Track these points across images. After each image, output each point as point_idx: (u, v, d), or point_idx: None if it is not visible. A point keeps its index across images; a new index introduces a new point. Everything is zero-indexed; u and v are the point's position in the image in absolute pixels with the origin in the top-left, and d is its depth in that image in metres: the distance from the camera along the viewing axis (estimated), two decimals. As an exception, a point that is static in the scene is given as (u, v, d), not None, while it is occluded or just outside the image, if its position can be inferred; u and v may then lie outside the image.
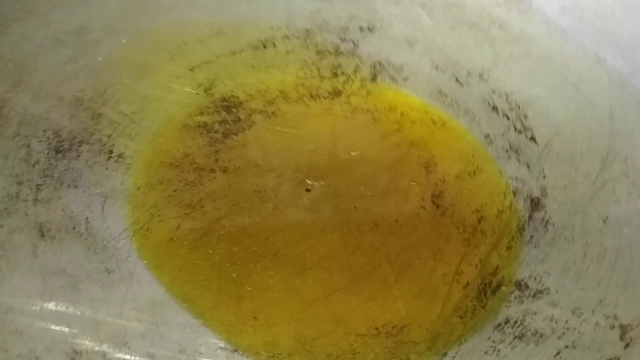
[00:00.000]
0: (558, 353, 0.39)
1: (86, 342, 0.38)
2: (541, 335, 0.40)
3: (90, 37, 0.53)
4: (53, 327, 0.38)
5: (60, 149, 0.48)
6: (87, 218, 0.45)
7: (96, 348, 0.38)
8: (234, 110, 0.54)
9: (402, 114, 0.55)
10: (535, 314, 0.41)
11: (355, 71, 0.57)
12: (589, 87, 0.54)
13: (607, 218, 0.46)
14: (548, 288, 0.42)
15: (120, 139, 0.50)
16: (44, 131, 0.48)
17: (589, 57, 0.55)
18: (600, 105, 0.53)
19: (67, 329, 0.38)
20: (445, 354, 0.40)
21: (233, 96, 0.55)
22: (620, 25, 0.55)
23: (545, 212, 0.47)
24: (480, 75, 0.57)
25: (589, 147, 0.51)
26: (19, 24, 0.51)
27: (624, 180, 0.48)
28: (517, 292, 0.43)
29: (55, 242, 0.43)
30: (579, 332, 0.40)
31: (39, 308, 0.39)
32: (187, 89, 0.55)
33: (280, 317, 0.42)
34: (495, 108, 0.55)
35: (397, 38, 0.60)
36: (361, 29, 0.60)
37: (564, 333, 0.40)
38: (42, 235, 0.43)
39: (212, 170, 0.50)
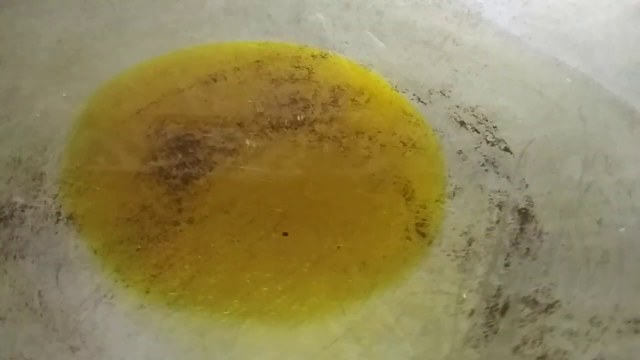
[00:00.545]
0: (588, 369, 0.36)
1: None
2: (564, 353, 0.37)
3: (24, 92, 0.48)
4: None
5: (1, 217, 0.42)
6: (39, 291, 0.39)
7: None
8: (190, 150, 0.49)
9: (370, 138, 0.52)
10: (552, 330, 0.38)
11: (315, 96, 0.55)
12: (553, 91, 0.54)
13: (600, 220, 0.44)
14: (559, 300, 0.40)
15: (67, 198, 0.45)
16: (-21, 199, 0.42)
17: (548, 62, 0.55)
18: (568, 108, 0.52)
19: None
20: (467, 390, 0.36)
21: (187, 134, 0.50)
22: (574, 28, 0.55)
23: (537, 222, 0.45)
24: (442, 92, 0.56)
25: (566, 150, 0.49)
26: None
27: (608, 179, 0.46)
28: (527, 310, 0.40)
29: (7, 324, 0.37)
30: (602, 342, 0.37)
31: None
32: (136, 133, 0.50)
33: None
34: (462, 123, 0.53)
35: (352, 62, 0.58)
36: (314, 56, 0.58)
37: (588, 346, 0.37)
38: (-9, 319, 0.37)
39: (176, 223, 0.45)
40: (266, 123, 0.52)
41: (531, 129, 0.52)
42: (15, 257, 0.41)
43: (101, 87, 0.52)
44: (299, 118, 0.53)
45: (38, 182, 0.45)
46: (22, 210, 0.43)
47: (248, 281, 0.42)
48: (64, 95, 0.51)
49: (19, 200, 0.43)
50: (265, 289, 0.42)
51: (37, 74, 0.51)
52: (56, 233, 0.43)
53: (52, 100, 0.50)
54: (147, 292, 0.41)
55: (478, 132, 0.52)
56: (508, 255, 0.44)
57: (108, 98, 0.51)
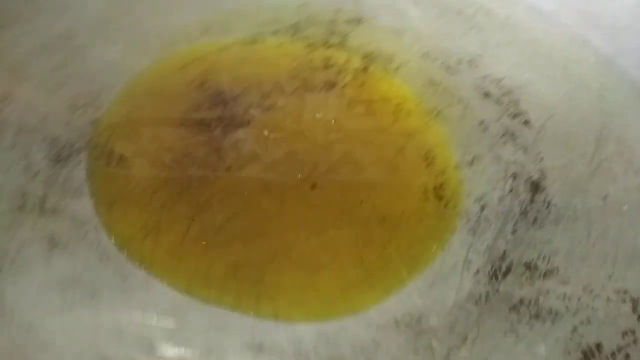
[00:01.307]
0: (575, 329, 0.40)
1: (112, 347, 0.37)
2: (556, 314, 0.41)
3: (78, 42, 0.52)
4: (78, 337, 0.37)
5: (60, 157, 0.47)
6: (95, 225, 0.44)
7: (123, 353, 0.37)
8: (230, 104, 0.53)
9: (397, 105, 0.55)
10: (547, 293, 0.42)
11: (347, 62, 0.58)
12: (578, 69, 0.56)
13: (606, 196, 0.47)
14: (557, 267, 0.44)
15: (119, 142, 0.49)
16: (42, 140, 0.47)
17: (575, 40, 0.57)
18: (590, 86, 0.54)
19: (92, 338, 0.38)
20: (465, 338, 0.41)
21: (228, 90, 0.54)
22: (604, 8, 0.57)
23: (547, 194, 0.48)
24: (470, 63, 0.58)
25: (583, 128, 0.52)
26: (5, 32, 0.50)
27: (618, 158, 0.49)
28: (527, 274, 0.44)
29: (68, 252, 0.42)
30: (592, 307, 0.41)
31: (60, 320, 0.38)
32: (181, 87, 0.54)
33: (300, 314, 0.42)
34: (487, 94, 0.56)
35: (385, 29, 0.61)
36: (348, 21, 0.60)
37: (578, 310, 0.41)
38: (54, 247, 0.42)
39: (216, 170, 0.49)
40: (300, 84, 0.55)
41: (552, 104, 0.54)
42: (74, 194, 0.46)
43: (150, 40, 0.55)
44: (330, 82, 0.56)
45: (93, 127, 0.49)
46: (79, 152, 0.48)
47: (278, 226, 0.47)
48: (115, 45, 0.54)
49: (76, 142, 0.48)
50: (293, 234, 0.46)
51: (90, 24, 0.54)
52: (110, 173, 0.47)
53: (104, 50, 0.54)
54: (189, 229, 0.46)
55: (501, 104, 0.55)
56: (516, 222, 0.47)
57: (156, 51, 0.54)
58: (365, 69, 0.57)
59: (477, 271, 0.45)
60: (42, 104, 0.48)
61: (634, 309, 0.40)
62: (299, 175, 0.50)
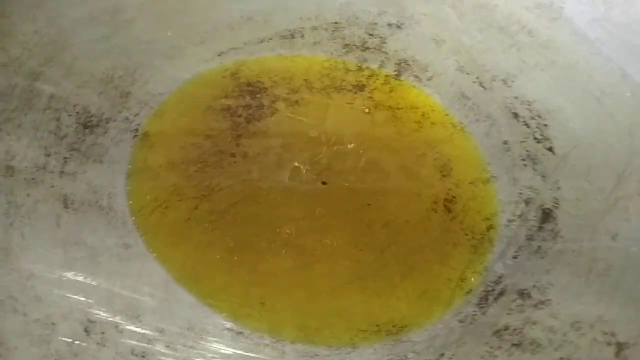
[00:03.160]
0: (553, 364, 0.40)
1: (101, 312, 0.40)
2: (538, 345, 0.41)
3: (125, 17, 0.55)
4: (70, 296, 0.40)
5: (89, 124, 0.50)
6: (109, 193, 0.47)
7: (109, 319, 0.40)
8: (258, 95, 0.55)
9: (423, 114, 0.55)
10: (534, 323, 0.42)
11: (381, 67, 0.58)
12: (612, 101, 0.54)
13: (616, 235, 0.46)
14: (550, 300, 0.43)
15: (146, 118, 0.52)
16: (74, 106, 0.50)
17: (614, 72, 0.55)
18: (621, 121, 0.53)
19: (83, 299, 0.40)
20: (442, 355, 0.41)
21: (258, 81, 0.56)
22: (649, 43, 0.54)
23: (556, 224, 0.48)
24: (505, 81, 0.57)
25: (606, 162, 0.51)
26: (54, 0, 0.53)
27: (637, 198, 0.48)
28: (519, 301, 0.43)
29: (78, 215, 0.45)
30: (575, 345, 0.40)
31: (58, 277, 0.41)
32: (214, 73, 0.56)
33: (286, 305, 0.43)
34: (516, 115, 0.55)
35: (425, 37, 0.60)
36: (389, 25, 0.61)
37: (561, 345, 0.40)
38: (66, 207, 0.45)
39: (233, 155, 0.51)
40: (329, 83, 0.56)
41: (579, 134, 0.53)
42: (95, 160, 0.48)
43: (193, 22, 0.57)
44: (360, 84, 0.56)
45: (124, 100, 0.52)
46: (107, 122, 0.50)
47: (281, 217, 0.48)
48: (158, 23, 0.57)
49: (106, 112, 0.51)
50: (294, 226, 0.48)
51: (138, 1, 0.57)
52: (131, 146, 0.50)
53: (148, 27, 0.56)
54: (196, 208, 0.48)
55: (529, 126, 0.54)
56: (519, 248, 0.47)
57: (196, 35, 0.56)
58: (397, 75, 0.58)
59: (470, 291, 0.45)
60: (79, 72, 0.51)
61: (617, 354, 0.39)
62: (311, 170, 0.51)
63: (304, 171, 0.51)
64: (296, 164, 0.51)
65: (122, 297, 0.41)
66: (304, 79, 0.57)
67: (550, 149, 0.53)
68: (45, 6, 0.53)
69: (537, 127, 0.54)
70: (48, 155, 0.47)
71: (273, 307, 0.43)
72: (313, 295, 0.44)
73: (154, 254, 0.44)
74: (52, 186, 0.46)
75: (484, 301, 0.44)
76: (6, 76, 0.49)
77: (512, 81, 0.57)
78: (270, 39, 0.58)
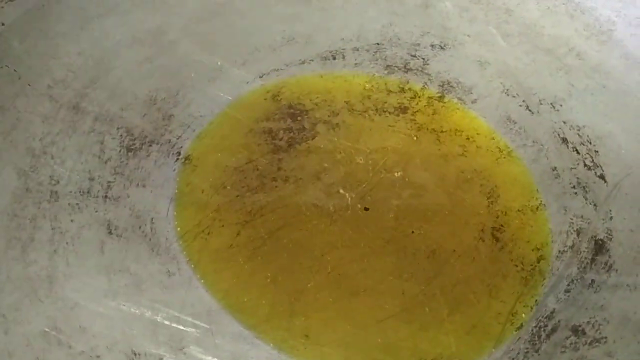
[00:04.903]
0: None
1: (145, 343, 0.39)
2: (594, 387, 0.39)
3: (168, 38, 0.55)
4: (114, 326, 0.39)
5: (132, 147, 0.50)
6: (152, 218, 0.47)
7: (153, 351, 0.39)
8: (299, 118, 0.54)
9: (467, 138, 0.54)
10: (589, 363, 0.40)
11: (423, 89, 0.57)
12: (666, 128, 0.52)
13: (674, 270, 0.44)
14: (605, 337, 0.41)
15: (188, 141, 0.51)
16: (118, 128, 0.50)
17: (668, 97, 0.53)
18: (676, 149, 0.51)
19: (127, 329, 0.40)
20: (492, 395, 0.40)
21: (299, 104, 0.55)
22: None
23: (609, 257, 0.46)
24: (553, 105, 0.56)
25: (661, 192, 0.49)
26: (100, 21, 0.53)
27: (695, 231, 0.46)
28: (573, 338, 0.42)
29: (122, 241, 0.44)
30: (633, 387, 0.39)
31: (102, 306, 0.40)
32: (256, 95, 0.55)
33: (330, 338, 0.42)
34: (565, 140, 0.53)
35: (469, 58, 0.59)
36: (432, 46, 0.60)
37: (617, 386, 0.39)
38: (110, 233, 0.45)
39: (274, 179, 0.50)
40: (371, 105, 0.55)
41: (632, 161, 0.51)
42: (138, 184, 0.48)
43: (235, 43, 0.57)
44: (403, 106, 0.55)
45: (167, 122, 0.52)
46: (150, 145, 0.50)
47: (324, 244, 0.47)
48: (201, 45, 0.56)
49: (149, 135, 0.51)
50: (337, 254, 0.47)
51: (182, 22, 0.57)
52: (174, 170, 0.50)
53: (191, 48, 0.56)
54: (238, 234, 0.47)
55: (578, 152, 0.53)
56: (572, 281, 0.45)
57: (238, 57, 0.56)
58: (441, 98, 0.57)
59: (521, 326, 0.43)
60: (123, 94, 0.51)
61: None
62: (353, 195, 0.50)
63: (346, 197, 0.50)
64: (338, 189, 0.50)
65: (166, 327, 0.41)
66: (345, 101, 0.56)
67: (601, 177, 0.51)
68: (89, 28, 0.53)
69: (587, 154, 0.52)
70: (92, 179, 0.47)
71: (317, 340, 0.42)
72: (357, 329, 0.43)
73: (197, 283, 0.44)
74: (96, 211, 0.45)
75: (536, 337, 0.42)
76: (51, 98, 0.49)
77: (561, 105, 0.56)
78: (312, 60, 0.58)
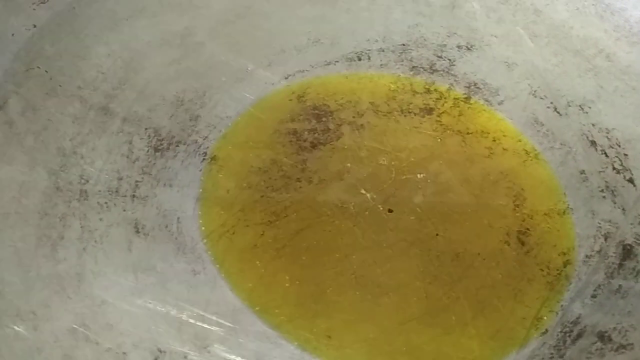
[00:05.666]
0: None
1: (170, 341, 0.40)
2: (621, 394, 0.39)
3: (195, 39, 0.55)
4: (141, 323, 0.40)
5: (160, 147, 0.50)
6: (178, 218, 0.47)
7: (178, 348, 0.40)
8: (324, 119, 0.54)
9: (494, 140, 0.54)
10: (616, 369, 0.40)
11: (449, 90, 0.57)
12: (700, 132, 0.51)
13: None
14: (632, 344, 0.41)
15: (215, 141, 0.52)
16: (146, 129, 0.51)
17: (701, 100, 0.52)
18: None
19: (153, 327, 0.40)
20: (515, 400, 0.39)
21: (324, 105, 0.55)
22: None
23: (638, 262, 0.45)
24: (581, 107, 0.55)
25: (693, 197, 0.48)
26: (130, 23, 0.54)
27: None
28: (599, 344, 0.41)
29: (149, 240, 0.45)
30: (662, 396, 0.38)
31: (129, 304, 0.41)
32: (281, 96, 0.56)
33: (353, 339, 0.42)
34: (593, 143, 0.53)
35: (496, 59, 0.59)
36: (459, 47, 0.59)
37: (645, 395, 0.38)
38: (137, 232, 0.46)
39: (299, 180, 0.51)
40: (396, 106, 0.55)
41: (662, 166, 0.50)
42: (165, 184, 0.49)
43: (261, 45, 0.57)
44: (428, 107, 0.55)
45: (194, 123, 0.52)
46: (177, 145, 0.51)
47: (348, 245, 0.47)
48: (228, 46, 0.57)
49: (176, 136, 0.51)
50: (361, 255, 0.47)
51: (208, 24, 0.57)
52: (200, 170, 0.50)
53: (218, 49, 0.57)
54: (262, 235, 0.47)
55: (607, 155, 0.52)
56: (599, 287, 0.45)
57: (263, 58, 0.56)
58: (467, 99, 0.56)
59: (546, 331, 0.43)
60: (151, 95, 0.52)
61: None
62: (377, 197, 0.50)
63: (370, 198, 0.50)
64: (362, 190, 0.50)
65: (190, 326, 0.41)
66: (370, 102, 0.56)
67: (630, 181, 0.50)
68: (119, 29, 0.54)
69: (616, 157, 0.52)
70: (120, 179, 0.48)
71: (340, 341, 0.42)
72: (380, 331, 0.43)
73: (222, 282, 0.44)
74: (124, 210, 0.46)
75: (561, 343, 0.42)
76: (81, 99, 0.50)
77: (589, 107, 0.55)
78: (337, 61, 0.58)
